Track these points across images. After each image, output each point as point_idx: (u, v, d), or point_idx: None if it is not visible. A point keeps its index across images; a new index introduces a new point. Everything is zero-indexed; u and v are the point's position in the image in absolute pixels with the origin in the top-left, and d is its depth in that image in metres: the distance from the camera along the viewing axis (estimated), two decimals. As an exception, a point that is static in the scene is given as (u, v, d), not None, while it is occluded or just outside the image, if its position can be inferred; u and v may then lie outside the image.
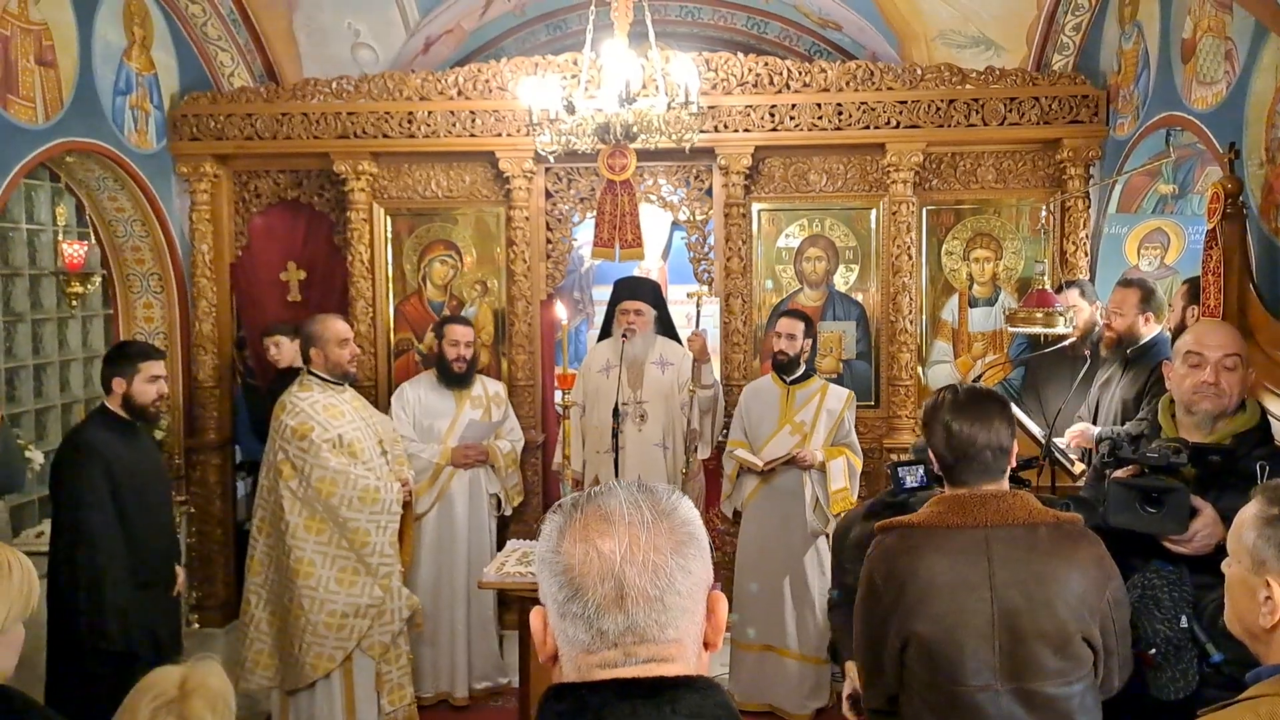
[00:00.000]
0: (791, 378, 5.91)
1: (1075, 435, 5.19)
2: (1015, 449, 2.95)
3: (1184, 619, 3.09)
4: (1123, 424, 5.00)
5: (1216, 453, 3.27)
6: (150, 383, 4.74)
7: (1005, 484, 2.92)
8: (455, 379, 6.19)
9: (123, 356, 4.79)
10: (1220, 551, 3.09)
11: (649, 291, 6.50)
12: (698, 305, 6.25)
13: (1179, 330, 4.64)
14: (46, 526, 6.00)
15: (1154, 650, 3.11)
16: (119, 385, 4.71)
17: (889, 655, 2.89)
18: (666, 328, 6.54)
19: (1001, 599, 2.75)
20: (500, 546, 6.24)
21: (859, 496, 6.50)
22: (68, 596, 4.47)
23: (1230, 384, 3.34)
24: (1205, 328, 3.61)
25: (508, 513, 6.49)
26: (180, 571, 5.10)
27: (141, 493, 4.73)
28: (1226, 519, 3.09)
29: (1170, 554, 3.19)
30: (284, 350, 6.56)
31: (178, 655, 4.03)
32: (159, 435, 6.20)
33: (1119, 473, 3.34)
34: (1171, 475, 3.20)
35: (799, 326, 5.87)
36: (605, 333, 6.64)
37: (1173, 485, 3.15)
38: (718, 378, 6.52)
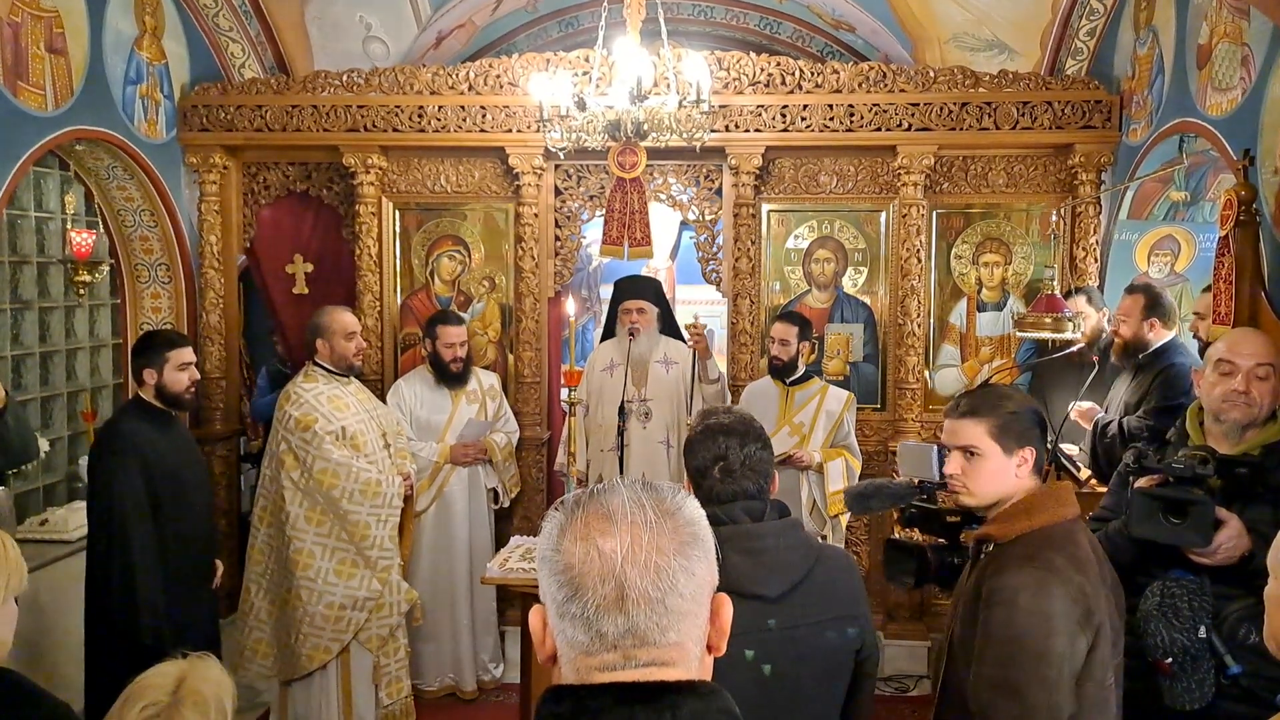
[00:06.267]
0: (790, 379, 5.89)
1: (1083, 411, 5.26)
2: None
3: (1203, 629, 3.06)
4: (1125, 429, 5.02)
5: (1244, 465, 3.23)
6: (181, 370, 4.70)
7: None
8: (453, 379, 6.20)
9: (150, 347, 4.74)
10: (1245, 562, 3.07)
11: (651, 290, 6.50)
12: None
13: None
14: (51, 514, 6.01)
15: (1170, 659, 3.08)
16: (150, 376, 4.67)
17: None
18: (670, 327, 6.52)
19: None
20: (497, 540, 6.28)
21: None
22: (102, 591, 4.46)
23: (1261, 394, 3.31)
24: (1238, 336, 3.57)
25: (505, 504, 6.50)
26: (218, 564, 5.07)
27: (179, 484, 4.68)
28: (1253, 531, 3.07)
29: (1191, 562, 3.16)
30: None
31: (213, 651, 3.97)
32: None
33: (1142, 482, 3.30)
34: (1197, 485, 3.17)
35: (792, 331, 5.84)
36: (609, 332, 6.64)
37: (1197, 497, 3.11)
38: (723, 370, 6.50)
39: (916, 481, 3.59)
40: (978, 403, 2.80)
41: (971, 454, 2.77)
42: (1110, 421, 5.03)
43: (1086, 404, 5.31)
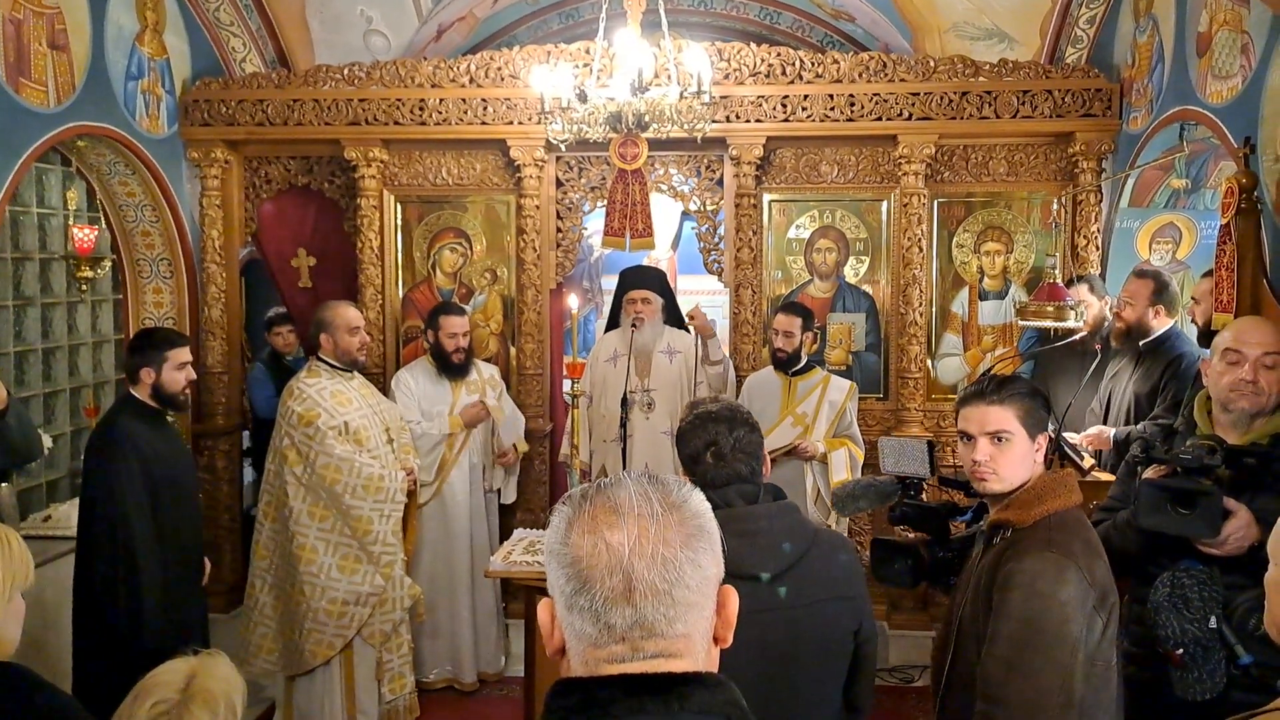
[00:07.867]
0: (793, 370, 5.91)
1: (1090, 438, 5.16)
2: None
3: (1213, 619, 3.06)
4: (1134, 419, 5.00)
5: (1252, 454, 3.23)
6: (179, 370, 4.62)
7: None
8: (455, 369, 6.20)
9: (149, 345, 4.64)
10: (1254, 552, 3.07)
11: (655, 280, 6.50)
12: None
13: (1209, 324, 4.57)
14: (54, 510, 6.02)
15: (1181, 650, 3.09)
16: (147, 375, 4.58)
17: None
18: (674, 317, 6.53)
19: None
20: (500, 533, 6.29)
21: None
22: (103, 592, 4.37)
23: (1269, 383, 3.30)
24: (1246, 325, 3.56)
25: (510, 500, 6.50)
26: (207, 563, 5.02)
27: (173, 484, 4.62)
28: (1261, 520, 3.07)
29: (1201, 552, 3.16)
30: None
31: (205, 648, 3.97)
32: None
33: (1149, 473, 3.31)
34: (1205, 476, 3.17)
35: (796, 323, 5.85)
36: (613, 323, 6.64)
37: (1205, 488, 3.11)
38: (726, 354, 6.52)
39: (896, 477, 3.60)
40: (1005, 389, 2.85)
41: (1001, 439, 2.81)
42: (1128, 432, 4.99)
43: (1094, 430, 5.23)
